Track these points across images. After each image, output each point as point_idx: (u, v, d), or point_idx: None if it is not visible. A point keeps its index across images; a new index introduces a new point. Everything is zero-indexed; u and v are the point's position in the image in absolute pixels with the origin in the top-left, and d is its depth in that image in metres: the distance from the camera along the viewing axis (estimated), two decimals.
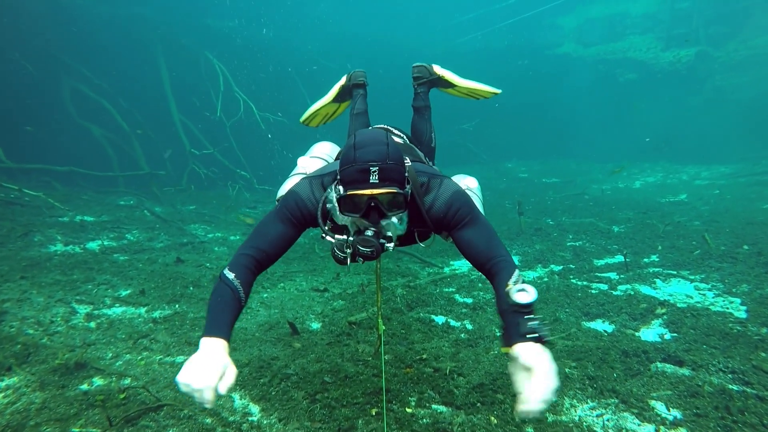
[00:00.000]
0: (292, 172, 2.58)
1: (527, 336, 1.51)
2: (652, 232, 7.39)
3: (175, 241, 7.34)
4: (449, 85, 3.25)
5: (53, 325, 4.07)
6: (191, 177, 11.70)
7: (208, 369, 1.50)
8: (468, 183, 2.53)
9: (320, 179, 2.05)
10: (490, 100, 3.41)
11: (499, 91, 3.22)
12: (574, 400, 3.17)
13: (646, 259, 6.26)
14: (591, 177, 14.01)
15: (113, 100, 11.48)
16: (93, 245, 6.64)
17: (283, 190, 2.37)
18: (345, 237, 1.89)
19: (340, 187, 1.83)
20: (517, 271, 1.76)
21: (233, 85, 12.70)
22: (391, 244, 1.90)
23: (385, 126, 2.75)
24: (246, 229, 8.54)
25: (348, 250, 1.89)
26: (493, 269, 1.82)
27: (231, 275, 1.78)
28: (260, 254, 1.88)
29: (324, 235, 1.98)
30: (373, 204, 1.79)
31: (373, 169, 1.76)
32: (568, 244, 7.27)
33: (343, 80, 3.29)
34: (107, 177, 10.35)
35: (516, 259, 6.73)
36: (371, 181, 1.76)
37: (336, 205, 1.88)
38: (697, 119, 14.78)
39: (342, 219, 1.90)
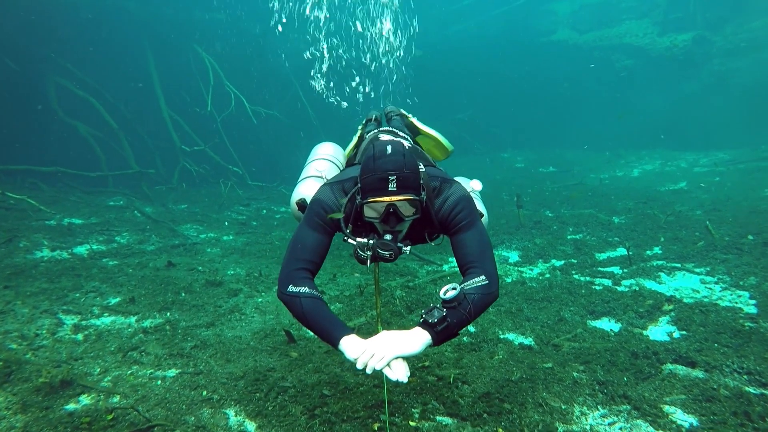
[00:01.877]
0: (304, 176, 2.60)
1: (421, 320, 1.78)
2: (653, 223, 7.27)
3: (167, 243, 7.14)
4: (415, 131, 3.33)
5: (38, 338, 3.89)
6: (182, 174, 11.44)
7: (378, 348, 1.71)
8: (474, 185, 2.59)
9: (341, 185, 2.15)
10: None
11: (452, 149, 3.35)
12: (584, 407, 3.04)
13: (648, 252, 6.14)
14: (588, 166, 13.86)
15: (100, 96, 11.16)
16: (81, 250, 6.43)
17: (298, 194, 2.44)
18: (365, 240, 2.04)
19: (360, 195, 1.99)
20: (483, 278, 1.88)
21: (224, 78, 12.39)
22: (408, 248, 2.06)
23: (391, 128, 2.79)
24: (239, 229, 8.35)
25: (368, 252, 2.03)
26: (467, 272, 1.95)
27: (302, 288, 1.91)
28: (309, 264, 2.01)
29: (346, 238, 2.10)
30: (391, 210, 1.93)
31: (391, 177, 1.89)
32: (569, 237, 7.14)
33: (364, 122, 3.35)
34: (96, 177, 10.07)
35: (516, 255, 6.59)
36: (390, 189, 1.90)
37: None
38: (695, 105, 14.59)
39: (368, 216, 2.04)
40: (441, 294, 1.78)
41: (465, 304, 1.77)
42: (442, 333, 1.75)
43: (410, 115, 3.38)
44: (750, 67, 13.90)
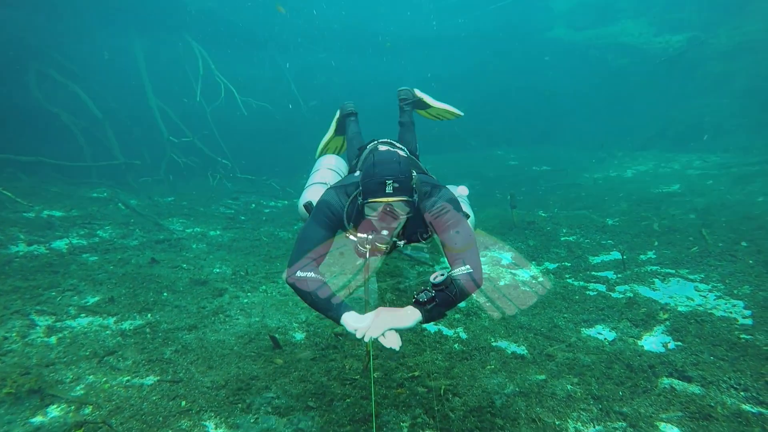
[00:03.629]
0: (310, 182, 2.96)
1: (413, 300, 2.04)
2: (647, 226, 7.20)
3: (151, 238, 6.92)
4: (425, 106, 3.83)
5: (7, 342, 3.69)
6: (170, 166, 11.16)
7: (375, 320, 1.96)
8: (461, 191, 2.94)
9: (344, 188, 2.45)
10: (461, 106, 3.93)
11: (461, 113, 3.81)
12: (579, 424, 2.94)
13: (642, 256, 6.06)
14: (581, 165, 13.80)
15: (84, 84, 10.80)
16: (60, 244, 6.19)
17: (305, 198, 2.76)
18: (365, 236, 2.31)
19: (361, 197, 2.27)
20: (467, 267, 2.09)
21: (214, 69, 12.08)
22: (402, 242, 2.37)
23: (389, 140, 3.06)
24: (227, 224, 8.14)
25: (367, 246, 2.30)
26: (454, 263, 2.18)
27: (309, 273, 2.13)
28: (315, 255, 2.24)
29: (347, 234, 2.36)
30: (388, 209, 2.21)
31: (388, 181, 2.18)
32: (562, 239, 7.05)
33: (337, 114, 3.78)
34: (78, 167, 9.76)
35: (508, 257, 6.48)
36: (387, 191, 2.18)
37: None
38: (689, 106, 14.59)
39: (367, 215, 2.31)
40: (431, 279, 2.04)
41: (452, 288, 2.02)
42: (431, 311, 2.01)
43: (423, 96, 3.81)
44: (744, 69, 13.90)
